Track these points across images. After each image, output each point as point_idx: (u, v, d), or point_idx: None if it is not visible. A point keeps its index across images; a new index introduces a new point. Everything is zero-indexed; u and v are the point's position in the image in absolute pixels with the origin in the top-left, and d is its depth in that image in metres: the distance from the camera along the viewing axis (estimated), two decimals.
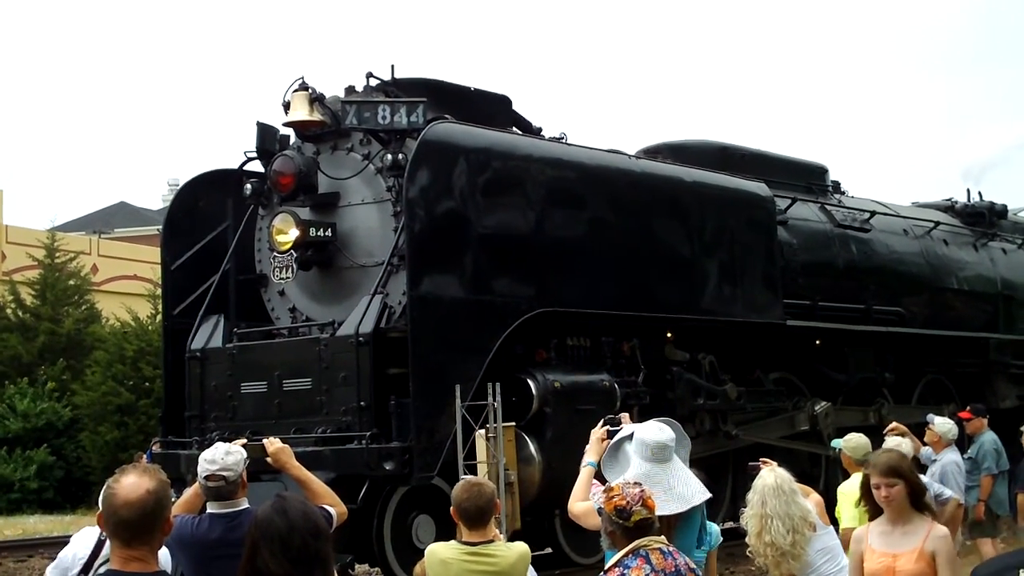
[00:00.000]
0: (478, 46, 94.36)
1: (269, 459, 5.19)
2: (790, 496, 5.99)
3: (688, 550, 5.03)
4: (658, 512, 4.70)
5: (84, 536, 5.03)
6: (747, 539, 6.09)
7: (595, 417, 9.95)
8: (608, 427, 5.47)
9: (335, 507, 4.89)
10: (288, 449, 5.22)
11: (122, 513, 3.18)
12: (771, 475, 6.10)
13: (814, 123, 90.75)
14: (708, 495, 5.02)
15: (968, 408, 11.42)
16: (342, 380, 9.79)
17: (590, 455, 5.38)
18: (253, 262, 11.40)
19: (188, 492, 5.13)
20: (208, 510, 4.86)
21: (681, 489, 4.88)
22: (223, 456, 4.80)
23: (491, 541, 4.91)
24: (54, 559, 5.10)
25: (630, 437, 5.14)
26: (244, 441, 5.27)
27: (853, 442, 7.72)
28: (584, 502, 5.29)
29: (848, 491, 7.14)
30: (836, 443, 8.02)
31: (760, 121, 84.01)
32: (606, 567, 4.41)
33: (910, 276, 15.49)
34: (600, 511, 4.56)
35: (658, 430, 5.05)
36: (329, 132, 10.80)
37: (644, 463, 4.96)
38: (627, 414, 5.75)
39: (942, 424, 9.71)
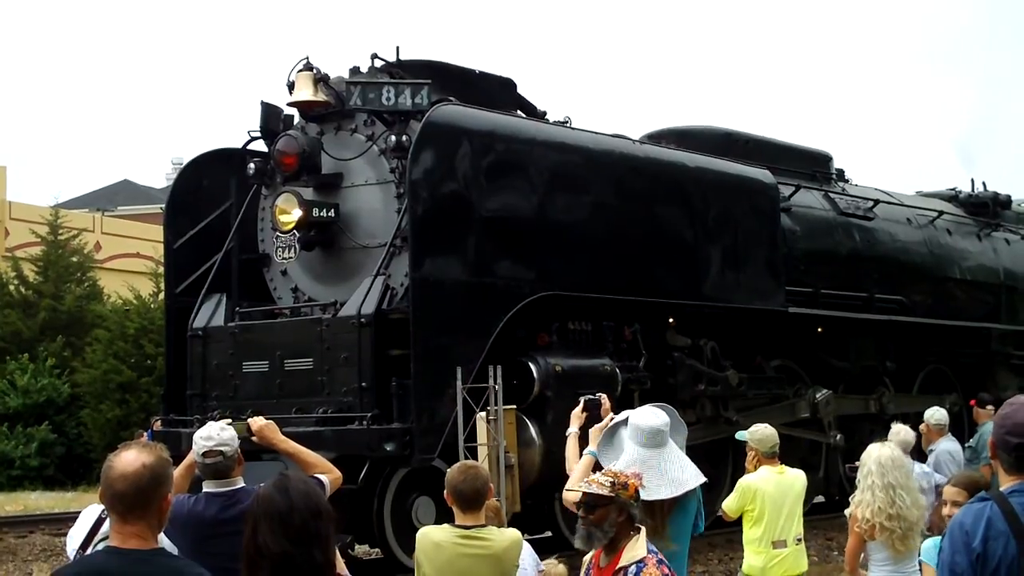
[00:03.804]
0: (483, 29, 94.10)
1: (254, 437, 5.15)
2: (909, 470, 5.76)
3: (683, 535, 5.04)
4: (652, 496, 4.72)
5: (89, 512, 5.04)
6: (859, 514, 5.59)
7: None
8: (587, 407, 5.53)
9: (328, 474, 4.86)
10: (272, 425, 5.14)
11: (117, 486, 3.18)
12: (886, 448, 5.74)
13: (819, 110, 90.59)
14: (703, 479, 5.03)
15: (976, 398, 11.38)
16: (343, 361, 9.80)
17: (591, 444, 5.39)
18: (256, 241, 11.38)
19: (175, 472, 5.10)
20: (204, 489, 4.86)
21: (676, 473, 4.89)
22: (218, 432, 4.79)
23: (484, 525, 4.89)
24: (55, 535, 5.10)
25: (625, 422, 5.16)
26: (229, 420, 5.19)
27: (759, 434, 6.87)
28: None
29: (748, 483, 6.72)
30: (741, 435, 7.07)
31: (765, 108, 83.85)
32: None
33: (913, 265, 15.48)
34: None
35: (652, 415, 5.07)
36: (333, 112, 10.78)
37: (638, 448, 4.98)
38: (605, 395, 5.70)
39: (931, 414, 9.70)
